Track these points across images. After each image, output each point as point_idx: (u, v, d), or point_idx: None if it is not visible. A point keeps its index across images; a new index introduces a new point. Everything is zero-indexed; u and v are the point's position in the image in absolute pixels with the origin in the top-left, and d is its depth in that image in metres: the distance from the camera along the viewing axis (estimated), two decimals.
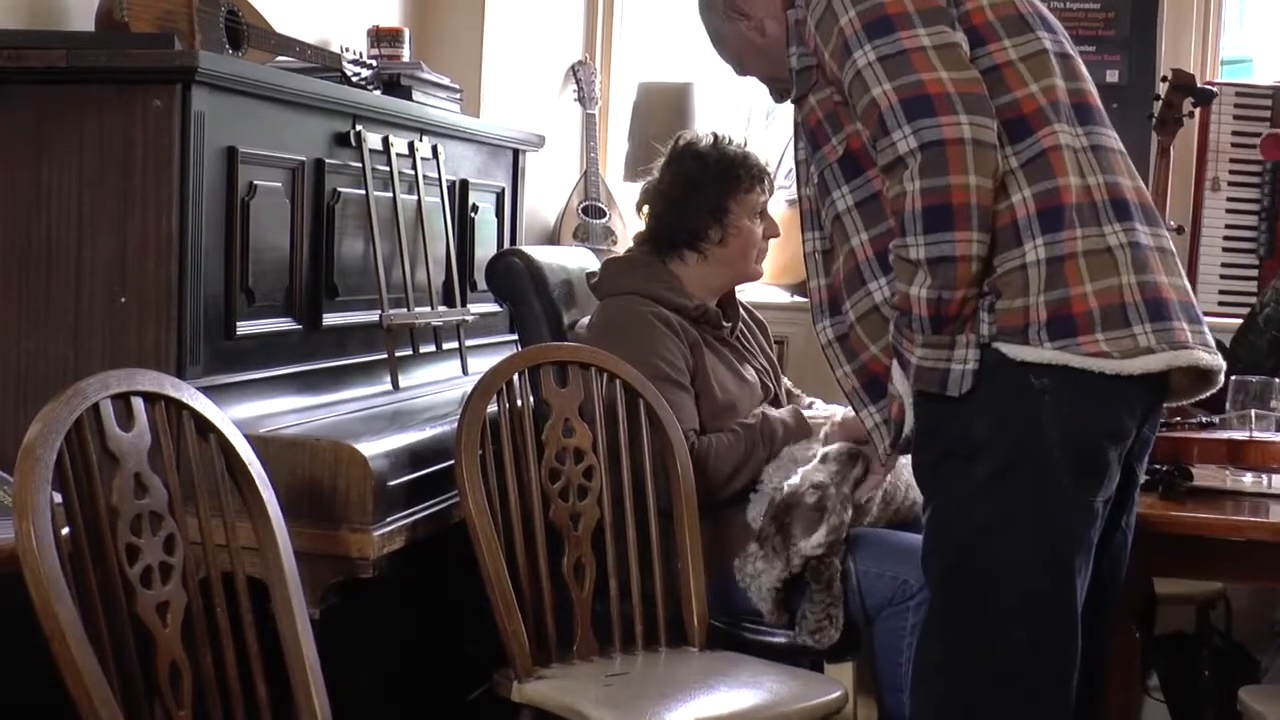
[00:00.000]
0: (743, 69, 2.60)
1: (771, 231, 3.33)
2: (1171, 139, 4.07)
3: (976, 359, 2.17)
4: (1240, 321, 3.99)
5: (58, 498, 2.00)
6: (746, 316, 3.46)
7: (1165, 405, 2.38)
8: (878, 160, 2.19)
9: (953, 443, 2.21)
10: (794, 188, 2.58)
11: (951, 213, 2.11)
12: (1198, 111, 4.33)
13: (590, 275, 3.43)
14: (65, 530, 2.03)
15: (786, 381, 3.52)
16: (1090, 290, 2.16)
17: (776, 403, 3.35)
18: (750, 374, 3.32)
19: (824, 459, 2.91)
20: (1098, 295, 2.16)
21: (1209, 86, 4.27)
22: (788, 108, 2.49)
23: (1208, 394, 2.34)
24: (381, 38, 4.00)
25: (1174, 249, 2.33)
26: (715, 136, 3.32)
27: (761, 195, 3.29)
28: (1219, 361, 2.27)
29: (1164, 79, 4.17)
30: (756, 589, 2.91)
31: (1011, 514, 2.19)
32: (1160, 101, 4.09)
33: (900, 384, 2.24)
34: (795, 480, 2.90)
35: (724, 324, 3.32)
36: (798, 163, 2.45)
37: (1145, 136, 4.14)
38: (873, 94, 2.15)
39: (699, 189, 3.26)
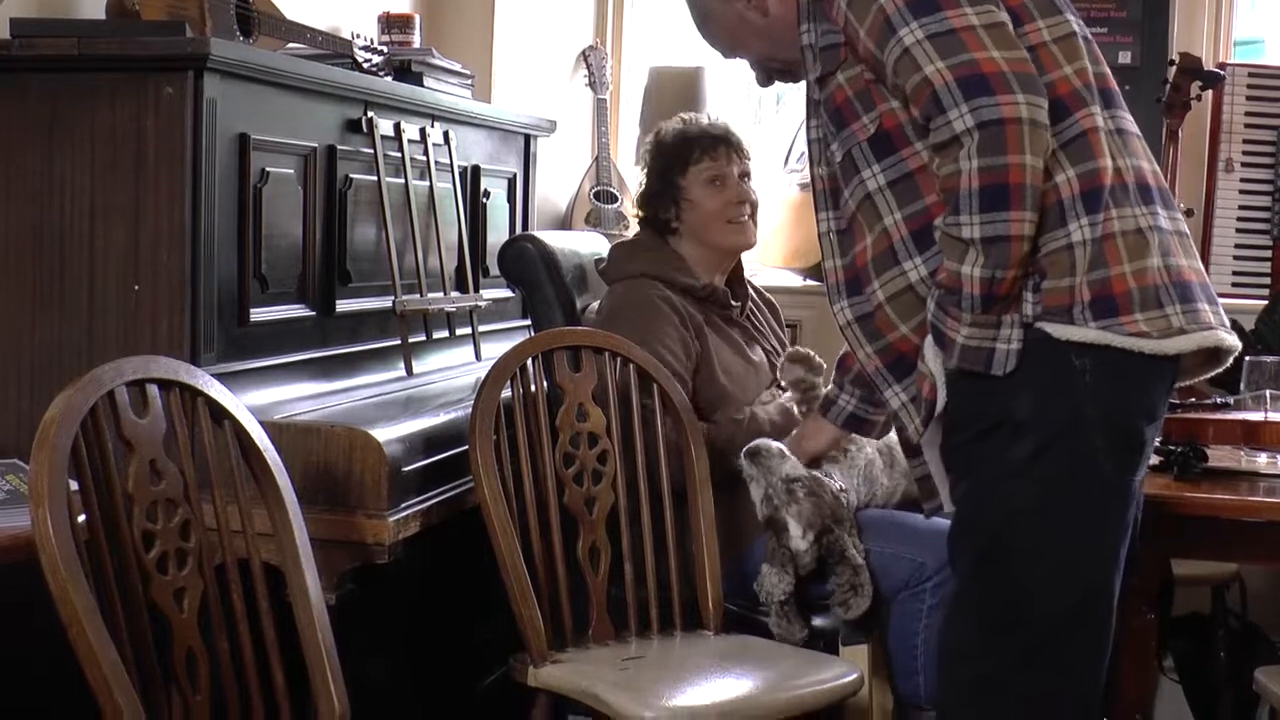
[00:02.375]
0: (734, 51, 2.56)
1: (740, 196, 3.31)
2: (1180, 122, 4.06)
3: (1020, 338, 2.17)
4: (1253, 302, 3.99)
5: (74, 485, 2.01)
6: (756, 298, 3.46)
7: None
8: (930, 139, 2.17)
9: (991, 422, 2.21)
10: (806, 170, 2.55)
11: (1008, 192, 2.11)
12: (1210, 93, 4.32)
13: (599, 261, 3.43)
14: (82, 517, 2.04)
15: None
16: (1129, 270, 2.17)
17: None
18: (758, 355, 3.32)
19: (746, 477, 2.93)
20: (1135, 276, 2.17)
21: (1216, 69, 4.26)
22: (798, 89, 2.47)
23: (1213, 374, 2.34)
24: (392, 24, 4.00)
25: (1189, 231, 2.34)
26: (682, 119, 3.38)
27: (711, 163, 3.29)
28: (1238, 342, 2.29)
29: (1171, 62, 4.16)
30: (774, 605, 2.92)
31: (1051, 494, 2.19)
32: (1168, 85, 4.08)
33: (933, 362, 2.23)
34: (756, 506, 2.93)
35: (732, 303, 3.32)
36: (810, 141, 2.43)
37: (1157, 118, 4.12)
38: (925, 72, 2.14)
39: (653, 175, 3.35)
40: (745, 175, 3.35)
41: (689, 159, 3.30)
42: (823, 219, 2.42)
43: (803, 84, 2.45)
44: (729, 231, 3.31)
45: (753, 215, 3.35)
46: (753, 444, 2.93)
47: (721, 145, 3.31)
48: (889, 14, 2.18)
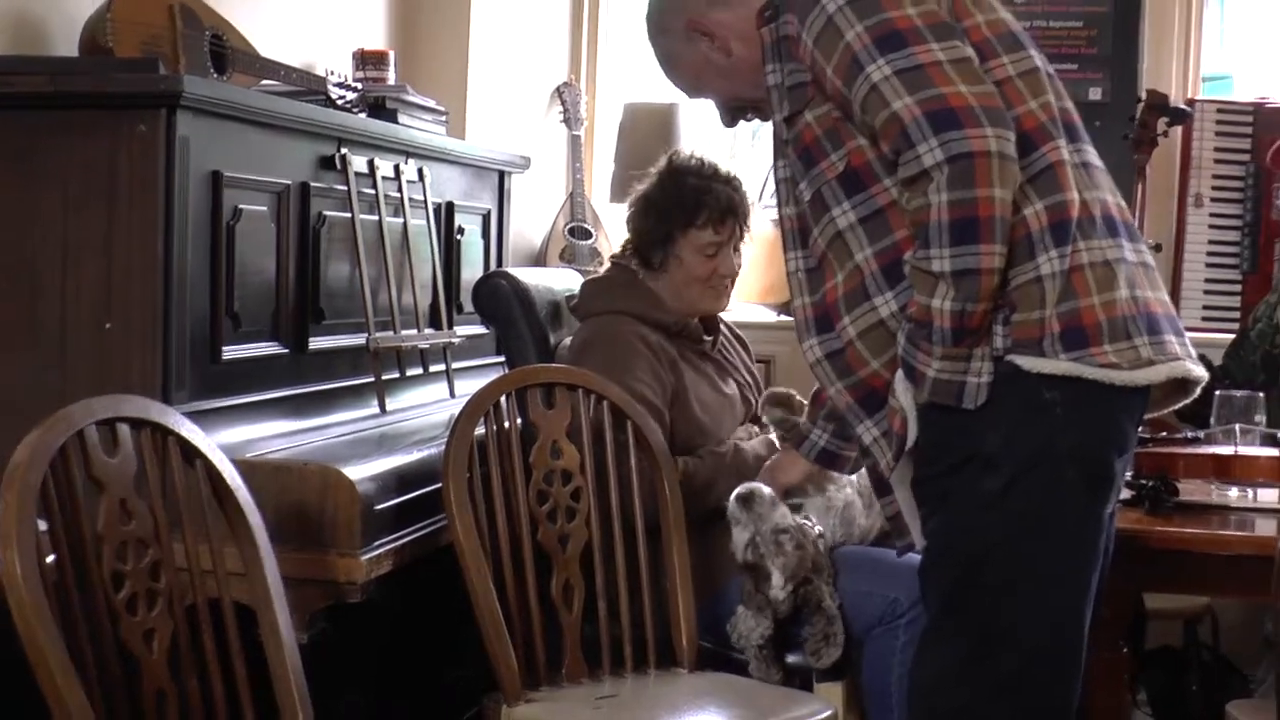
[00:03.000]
0: (699, 91, 2.56)
1: (726, 270, 3.30)
2: (1148, 158, 4.10)
3: (991, 371, 2.18)
4: (1223, 336, 4.01)
5: (43, 525, 2.00)
6: (726, 332, 3.46)
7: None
8: (899, 173, 2.18)
9: (962, 455, 2.21)
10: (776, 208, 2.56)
11: (978, 225, 2.12)
12: (1180, 129, 4.36)
13: (569, 298, 3.43)
14: (50, 558, 2.03)
15: None
16: (1098, 302, 2.18)
17: (758, 418, 3.35)
18: (732, 388, 3.33)
19: (733, 519, 2.91)
20: (1104, 307, 2.19)
21: (1183, 106, 4.31)
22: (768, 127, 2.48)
23: (1180, 405, 2.36)
24: (366, 60, 4.00)
25: (1154, 263, 2.35)
26: (701, 163, 3.32)
27: (714, 235, 3.26)
28: (1205, 372, 2.31)
29: (1138, 99, 4.19)
30: (751, 649, 2.92)
31: (1022, 526, 2.20)
32: (1136, 121, 4.11)
33: (904, 396, 2.23)
34: (736, 549, 2.90)
35: (704, 338, 3.32)
36: (779, 181, 2.44)
37: (1127, 155, 4.15)
38: (893, 108, 2.15)
39: (656, 210, 3.29)
40: (738, 246, 3.33)
41: (694, 221, 3.25)
42: (791, 258, 2.43)
43: None
44: (705, 296, 3.31)
45: (732, 281, 3.35)
46: (745, 488, 2.92)
47: (730, 219, 3.27)
48: (856, 51, 2.20)
